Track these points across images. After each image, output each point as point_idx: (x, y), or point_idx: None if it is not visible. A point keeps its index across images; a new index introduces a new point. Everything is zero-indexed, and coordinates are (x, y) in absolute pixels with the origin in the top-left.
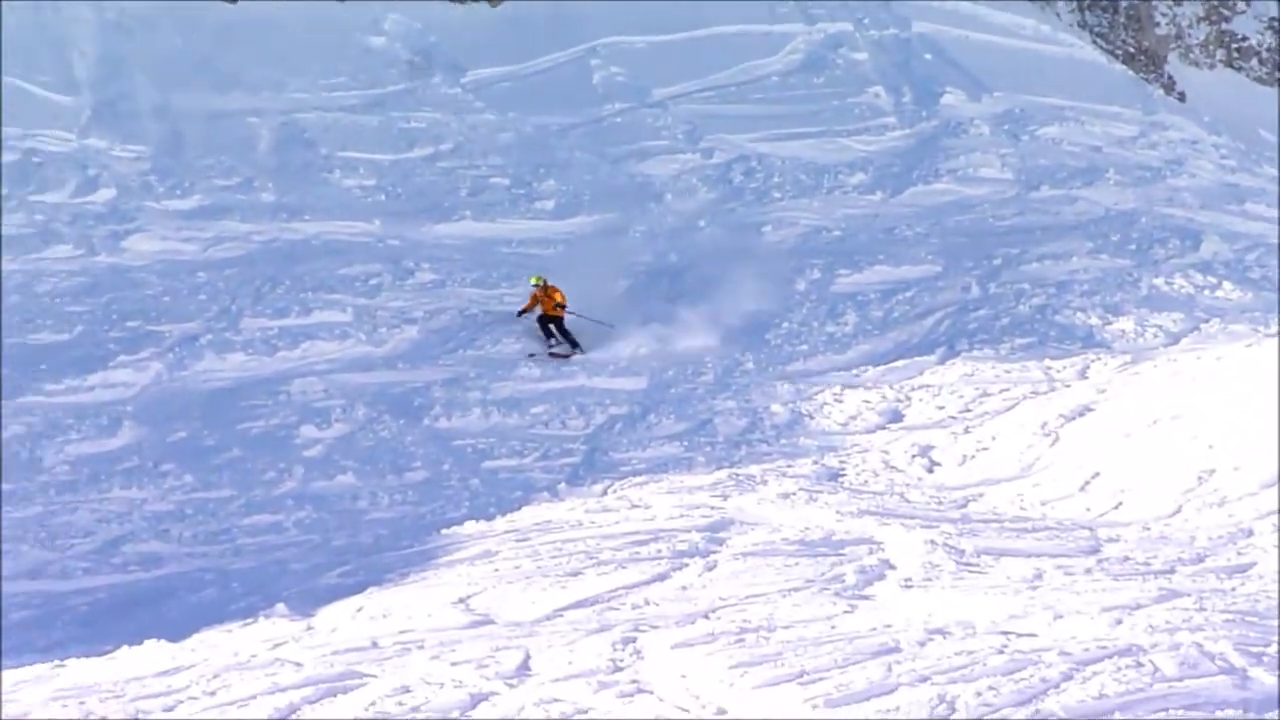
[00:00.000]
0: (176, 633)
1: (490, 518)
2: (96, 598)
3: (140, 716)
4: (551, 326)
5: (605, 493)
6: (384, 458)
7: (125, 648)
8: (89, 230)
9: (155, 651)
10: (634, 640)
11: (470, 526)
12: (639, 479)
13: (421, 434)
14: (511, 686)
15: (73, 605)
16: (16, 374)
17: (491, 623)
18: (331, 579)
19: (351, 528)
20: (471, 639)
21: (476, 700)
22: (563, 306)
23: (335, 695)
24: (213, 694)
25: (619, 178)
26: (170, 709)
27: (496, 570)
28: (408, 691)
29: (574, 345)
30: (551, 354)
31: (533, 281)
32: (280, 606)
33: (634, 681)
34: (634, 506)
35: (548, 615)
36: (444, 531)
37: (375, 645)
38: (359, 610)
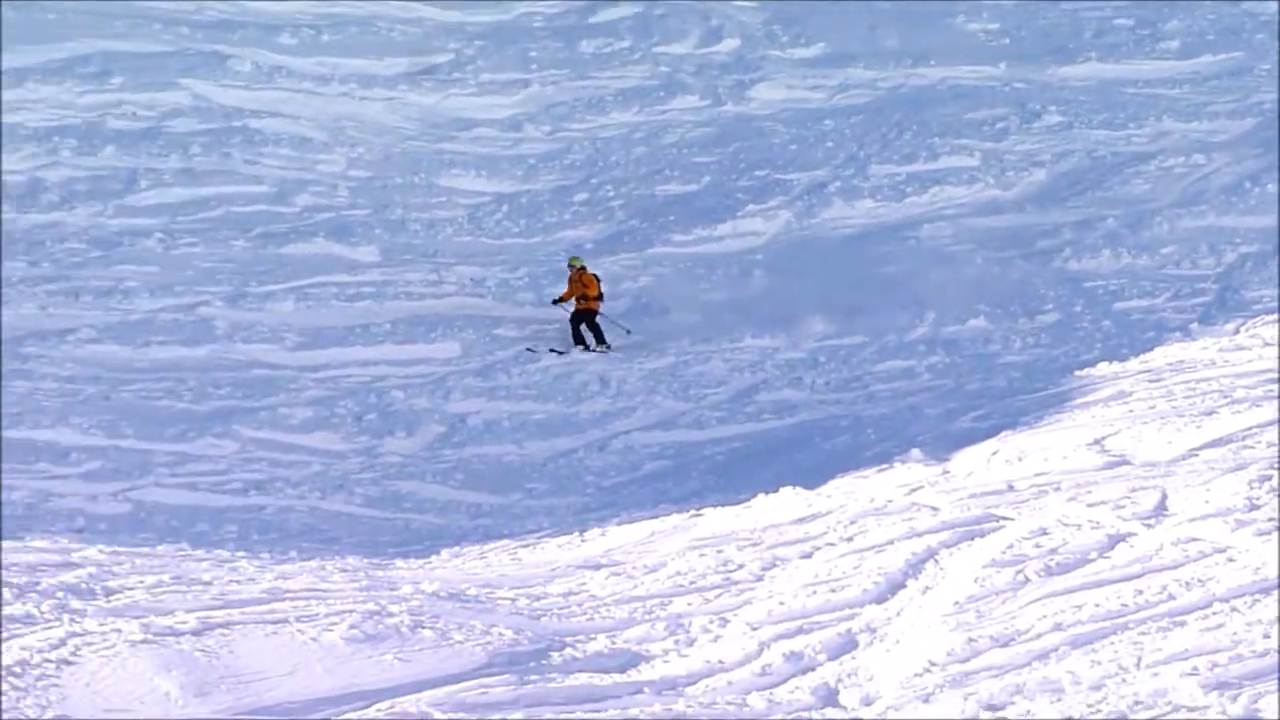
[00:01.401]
0: (812, 479)
1: (1123, 358)
2: (731, 446)
3: (778, 563)
4: (583, 326)
5: (1238, 331)
6: (1015, 301)
7: (761, 495)
8: (714, 80)
9: (791, 498)
10: (1270, 478)
11: (1103, 368)
12: (1271, 317)
13: (1052, 276)
14: (1149, 527)
15: (708, 454)
16: (645, 225)
17: (1127, 463)
18: (965, 423)
19: (984, 371)
20: (1107, 480)
21: (1114, 541)
22: (600, 299)
23: (972, 539)
24: (849, 539)
25: (1242, 18)
26: (807, 555)
27: (1131, 411)
28: (1045, 534)
29: (601, 343)
30: (553, 350)
31: (571, 263)
32: (915, 451)
33: (1271, 519)
34: (1267, 344)
35: (1183, 455)
36: (1077, 373)
37: (1011, 488)
38: (994, 454)
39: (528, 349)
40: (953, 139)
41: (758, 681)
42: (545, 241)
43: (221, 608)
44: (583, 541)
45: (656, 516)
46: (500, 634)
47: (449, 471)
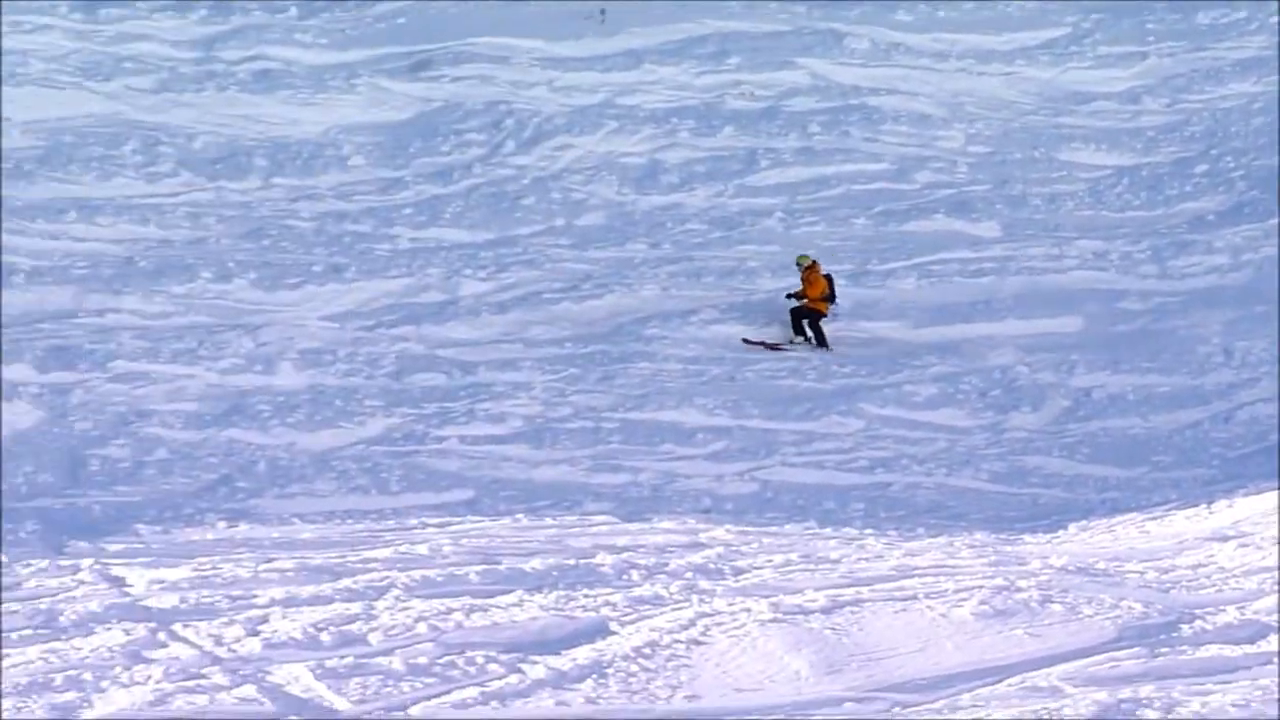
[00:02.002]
0: None
1: None
2: None
3: None
4: (805, 322)
5: None
6: None
7: None
8: None
9: None
10: None
11: None
12: None
13: None
14: None
15: None
16: (1267, 196)
17: None
18: None
19: None
20: None
21: None
22: (826, 299)
23: None
24: None
25: None
26: None
27: None
28: None
29: (821, 343)
30: (767, 345)
31: (799, 261)
32: None
33: None
34: None
35: None
36: None
37: None
38: None
39: (743, 340)
40: None
41: None
42: (1167, 214)
43: (850, 585)
44: (1210, 513)
45: None
46: (1129, 607)
47: (1075, 445)
